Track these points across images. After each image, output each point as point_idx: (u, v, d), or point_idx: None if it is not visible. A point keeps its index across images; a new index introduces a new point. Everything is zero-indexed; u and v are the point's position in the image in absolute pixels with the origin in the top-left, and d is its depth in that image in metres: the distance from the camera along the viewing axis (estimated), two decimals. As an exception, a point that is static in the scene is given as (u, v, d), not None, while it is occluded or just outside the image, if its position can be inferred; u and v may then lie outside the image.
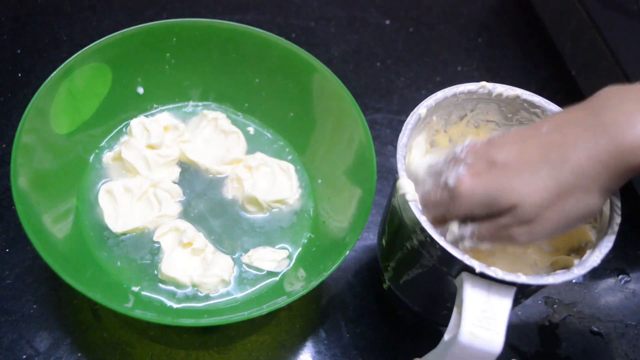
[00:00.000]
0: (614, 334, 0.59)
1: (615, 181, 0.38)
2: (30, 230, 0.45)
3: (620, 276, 0.62)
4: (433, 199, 0.43)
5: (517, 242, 0.40)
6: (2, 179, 0.60)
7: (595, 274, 0.62)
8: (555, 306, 0.60)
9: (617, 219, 0.43)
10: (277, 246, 0.55)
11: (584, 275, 0.62)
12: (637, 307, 0.61)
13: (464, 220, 0.42)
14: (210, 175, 0.59)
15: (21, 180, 0.48)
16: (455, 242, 0.42)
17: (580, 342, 0.58)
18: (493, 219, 0.40)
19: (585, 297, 0.61)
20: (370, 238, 0.62)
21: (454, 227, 0.42)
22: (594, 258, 0.41)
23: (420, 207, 0.43)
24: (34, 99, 0.51)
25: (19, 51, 0.71)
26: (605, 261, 0.42)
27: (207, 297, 0.52)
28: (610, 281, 0.62)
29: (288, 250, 0.55)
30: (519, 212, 0.39)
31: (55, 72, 0.53)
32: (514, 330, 0.57)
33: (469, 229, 0.41)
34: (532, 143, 0.39)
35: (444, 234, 0.43)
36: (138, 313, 0.45)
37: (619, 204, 0.43)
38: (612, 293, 0.61)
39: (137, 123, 0.59)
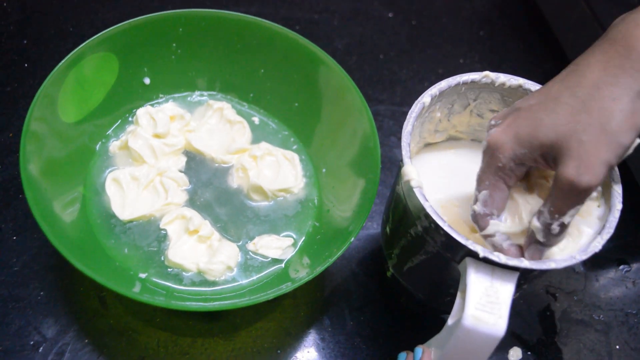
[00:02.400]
0: (615, 323, 0.59)
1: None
2: (40, 216, 0.46)
3: (621, 266, 0.63)
4: (481, 174, 0.42)
5: (580, 183, 0.37)
6: (9, 168, 0.61)
7: (597, 264, 0.63)
8: (556, 295, 0.60)
9: (618, 206, 0.43)
10: (282, 234, 0.56)
11: (585, 265, 0.62)
12: (637, 296, 0.61)
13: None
14: (216, 164, 0.59)
15: (31, 167, 0.49)
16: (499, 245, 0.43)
17: (581, 331, 0.58)
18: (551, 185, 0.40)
19: (586, 287, 0.61)
20: (373, 227, 0.63)
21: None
22: (595, 244, 0.42)
23: (424, 193, 0.43)
24: (43, 87, 0.52)
25: (25, 42, 0.71)
26: (607, 251, 0.43)
27: (212, 284, 0.52)
28: (611, 271, 0.63)
29: (293, 238, 0.56)
30: (557, 147, 0.38)
31: (63, 61, 0.54)
32: (515, 319, 0.58)
33: (542, 214, 0.40)
34: (552, 84, 0.41)
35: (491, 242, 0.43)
36: (146, 297, 0.45)
37: (620, 191, 0.44)
38: (613, 282, 0.62)
39: (143, 112, 0.59)
